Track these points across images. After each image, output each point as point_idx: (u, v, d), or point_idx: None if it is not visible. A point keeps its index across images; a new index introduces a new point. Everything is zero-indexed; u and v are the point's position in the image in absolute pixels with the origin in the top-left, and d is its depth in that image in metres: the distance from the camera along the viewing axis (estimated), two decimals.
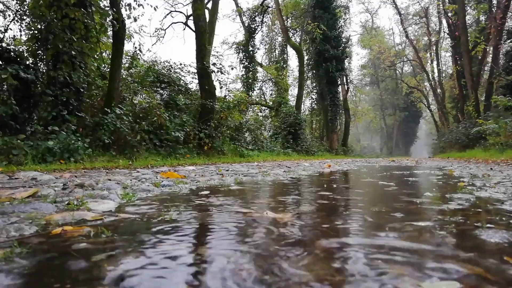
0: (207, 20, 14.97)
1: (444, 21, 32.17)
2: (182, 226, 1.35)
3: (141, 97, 11.87)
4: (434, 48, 36.06)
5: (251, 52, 27.57)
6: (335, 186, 3.17)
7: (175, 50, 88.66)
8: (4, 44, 7.68)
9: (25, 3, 8.61)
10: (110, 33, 10.55)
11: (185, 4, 25.40)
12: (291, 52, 31.66)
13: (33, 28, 8.00)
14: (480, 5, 22.75)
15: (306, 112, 31.87)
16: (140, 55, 13.90)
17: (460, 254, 0.97)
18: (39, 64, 8.10)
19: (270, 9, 28.03)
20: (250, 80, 27.05)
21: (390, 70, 46.25)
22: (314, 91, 30.94)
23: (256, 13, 27.91)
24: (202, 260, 0.93)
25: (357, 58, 71.65)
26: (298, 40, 29.40)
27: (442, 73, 37.18)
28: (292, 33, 29.08)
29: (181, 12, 31.84)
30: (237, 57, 27.49)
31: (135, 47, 16.09)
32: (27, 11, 8.47)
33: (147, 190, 2.50)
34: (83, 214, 1.52)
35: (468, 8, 24.60)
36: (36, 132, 6.78)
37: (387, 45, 44.65)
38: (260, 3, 27.63)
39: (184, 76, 14.66)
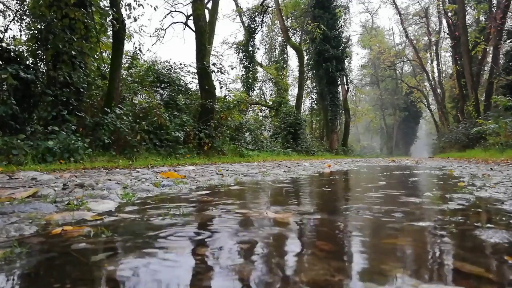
0: (207, 20, 14.98)
1: (444, 21, 32.23)
2: (182, 226, 1.35)
3: (141, 97, 11.87)
4: (434, 48, 36.10)
5: (251, 52, 27.58)
6: (335, 186, 3.17)
7: (175, 50, 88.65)
8: (4, 44, 7.67)
9: (25, 3, 8.62)
10: (110, 33, 10.54)
11: (185, 4, 25.39)
12: (291, 52, 31.73)
13: (33, 28, 8.00)
14: (480, 5, 22.76)
15: (306, 112, 31.86)
16: (140, 55, 13.91)
17: (460, 254, 0.97)
18: (39, 64, 8.10)
19: (270, 9, 28.03)
20: (250, 80, 27.06)
21: (390, 70, 46.27)
22: (314, 91, 30.94)
23: (256, 13, 27.91)
24: (202, 260, 0.93)
25: (357, 58, 71.83)
26: (298, 40, 29.41)
27: (442, 73, 37.23)
28: (292, 33, 29.08)
29: (181, 12, 31.89)
30: (237, 57, 27.57)
31: (135, 47, 16.11)
32: (27, 11, 8.47)
33: (147, 190, 2.50)
34: (83, 214, 1.52)
35: (468, 8, 24.62)
36: (36, 132, 6.78)
37: (387, 45, 44.65)
38: (260, 3, 27.62)
39: (184, 76, 14.69)
